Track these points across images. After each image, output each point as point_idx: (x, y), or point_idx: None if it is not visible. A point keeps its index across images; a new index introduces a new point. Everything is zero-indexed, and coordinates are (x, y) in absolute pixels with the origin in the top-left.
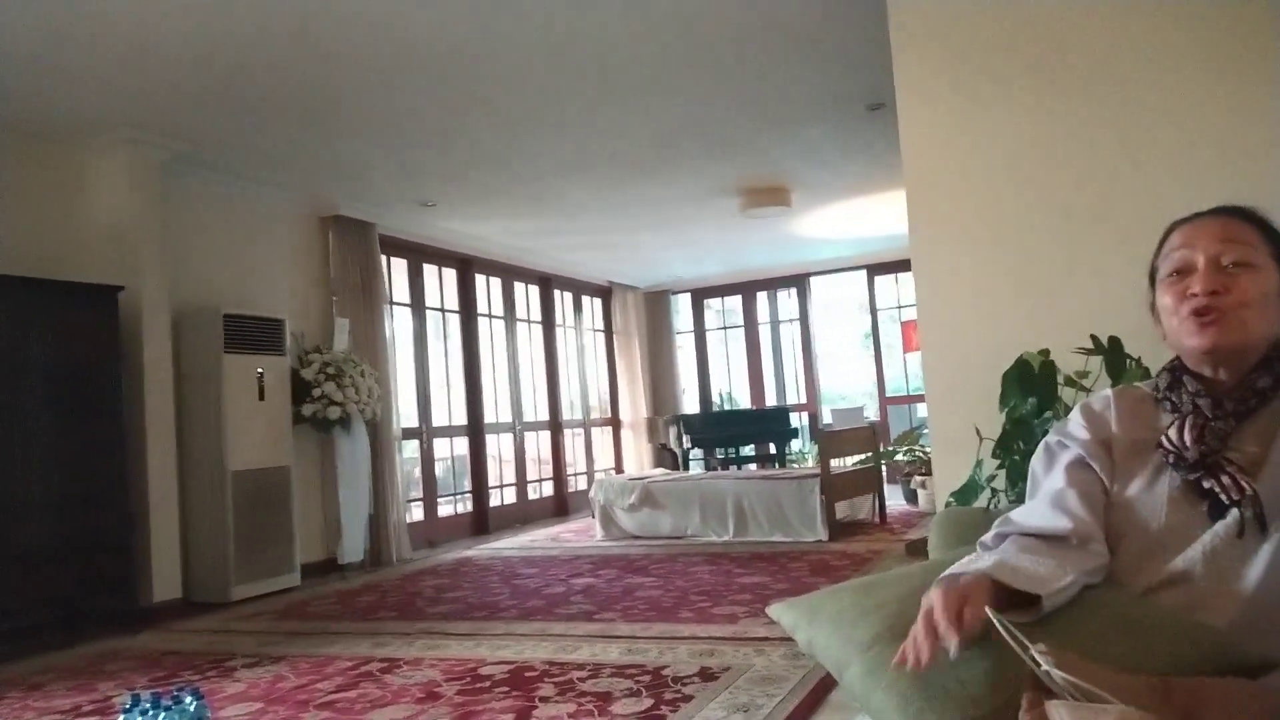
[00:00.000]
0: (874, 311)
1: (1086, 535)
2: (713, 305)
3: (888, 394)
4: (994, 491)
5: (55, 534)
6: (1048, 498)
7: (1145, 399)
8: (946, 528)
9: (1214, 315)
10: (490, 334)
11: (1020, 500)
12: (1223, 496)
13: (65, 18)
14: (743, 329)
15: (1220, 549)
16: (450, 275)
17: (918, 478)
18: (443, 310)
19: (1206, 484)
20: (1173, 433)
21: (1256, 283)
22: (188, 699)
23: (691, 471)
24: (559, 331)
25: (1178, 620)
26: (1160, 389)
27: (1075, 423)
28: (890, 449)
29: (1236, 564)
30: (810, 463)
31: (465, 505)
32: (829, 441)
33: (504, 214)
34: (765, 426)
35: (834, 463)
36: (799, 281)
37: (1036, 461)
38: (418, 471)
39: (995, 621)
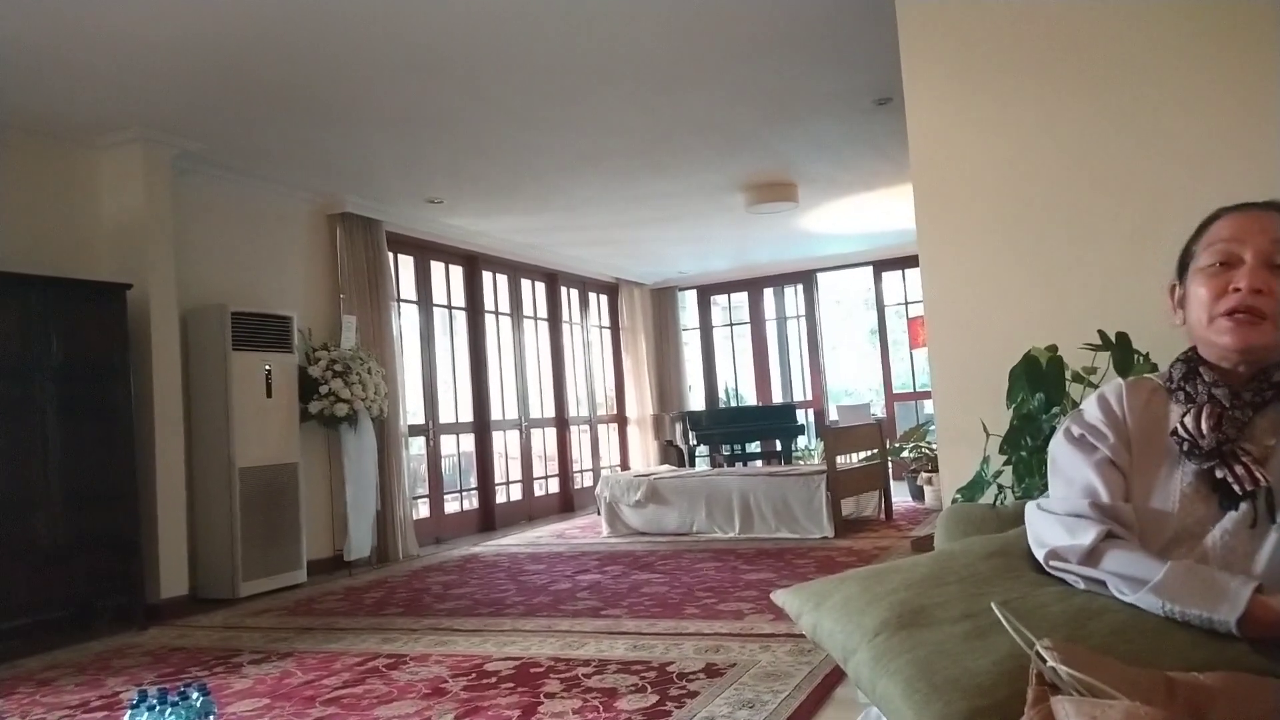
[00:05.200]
0: (881, 308)
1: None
2: (719, 301)
3: (894, 390)
4: (1000, 488)
5: (64, 531)
6: (1091, 502)
7: (1157, 390)
8: (953, 524)
9: (1252, 316)
10: (497, 330)
11: (1027, 496)
12: (1236, 486)
13: (74, 17)
14: (749, 325)
15: (1232, 540)
16: (457, 272)
17: (924, 474)
18: (449, 307)
19: (1220, 474)
20: (1189, 420)
21: None
22: (194, 695)
23: (697, 468)
24: (565, 328)
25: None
26: (1174, 379)
27: (1095, 418)
28: (896, 445)
29: (1248, 554)
30: (816, 459)
31: (471, 502)
32: (835, 438)
33: (511, 210)
34: (771, 423)
35: (840, 459)
36: (805, 278)
37: (1060, 449)
38: (424, 468)
39: (1000, 616)
